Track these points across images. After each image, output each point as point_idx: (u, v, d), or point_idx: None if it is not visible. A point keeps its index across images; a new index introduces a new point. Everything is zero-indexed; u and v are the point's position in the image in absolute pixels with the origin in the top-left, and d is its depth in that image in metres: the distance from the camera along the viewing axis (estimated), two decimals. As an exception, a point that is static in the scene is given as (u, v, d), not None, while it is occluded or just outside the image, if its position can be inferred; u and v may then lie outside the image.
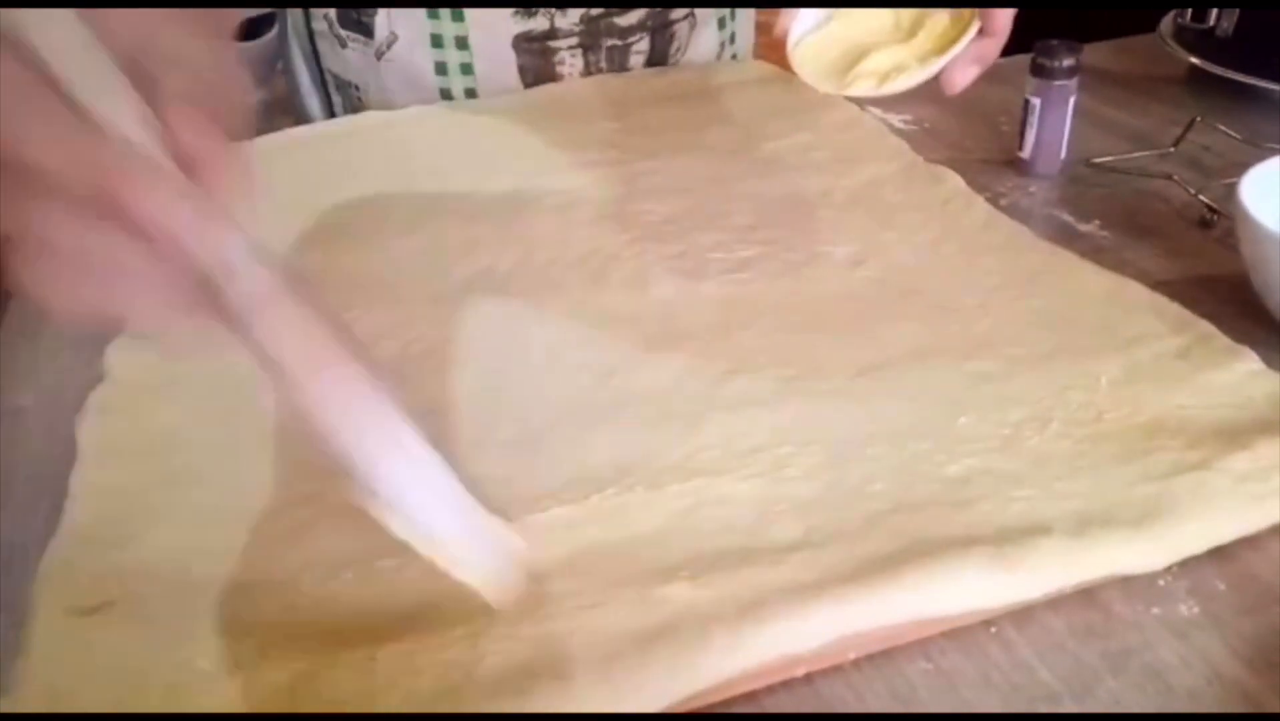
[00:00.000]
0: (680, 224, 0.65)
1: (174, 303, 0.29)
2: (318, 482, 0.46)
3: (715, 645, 0.36)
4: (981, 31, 0.47)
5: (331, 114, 0.93)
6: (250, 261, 0.29)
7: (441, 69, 0.84)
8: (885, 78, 0.48)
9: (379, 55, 0.84)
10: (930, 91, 0.86)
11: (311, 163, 0.75)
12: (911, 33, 0.50)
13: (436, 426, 0.49)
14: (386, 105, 0.85)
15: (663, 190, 0.69)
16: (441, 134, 0.79)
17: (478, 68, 0.84)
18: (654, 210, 0.67)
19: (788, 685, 0.37)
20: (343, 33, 0.86)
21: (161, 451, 0.49)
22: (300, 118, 0.94)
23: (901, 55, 0.49)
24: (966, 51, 0.48)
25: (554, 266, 0.62)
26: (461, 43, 0.82)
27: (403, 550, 0.42)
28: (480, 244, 0.64)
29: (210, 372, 0.54)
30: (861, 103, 0.81)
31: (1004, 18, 0.48)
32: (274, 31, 1.84)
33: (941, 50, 0.47)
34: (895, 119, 0.80)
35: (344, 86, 0.90)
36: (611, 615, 0.38)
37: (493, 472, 0.46)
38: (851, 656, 0.38)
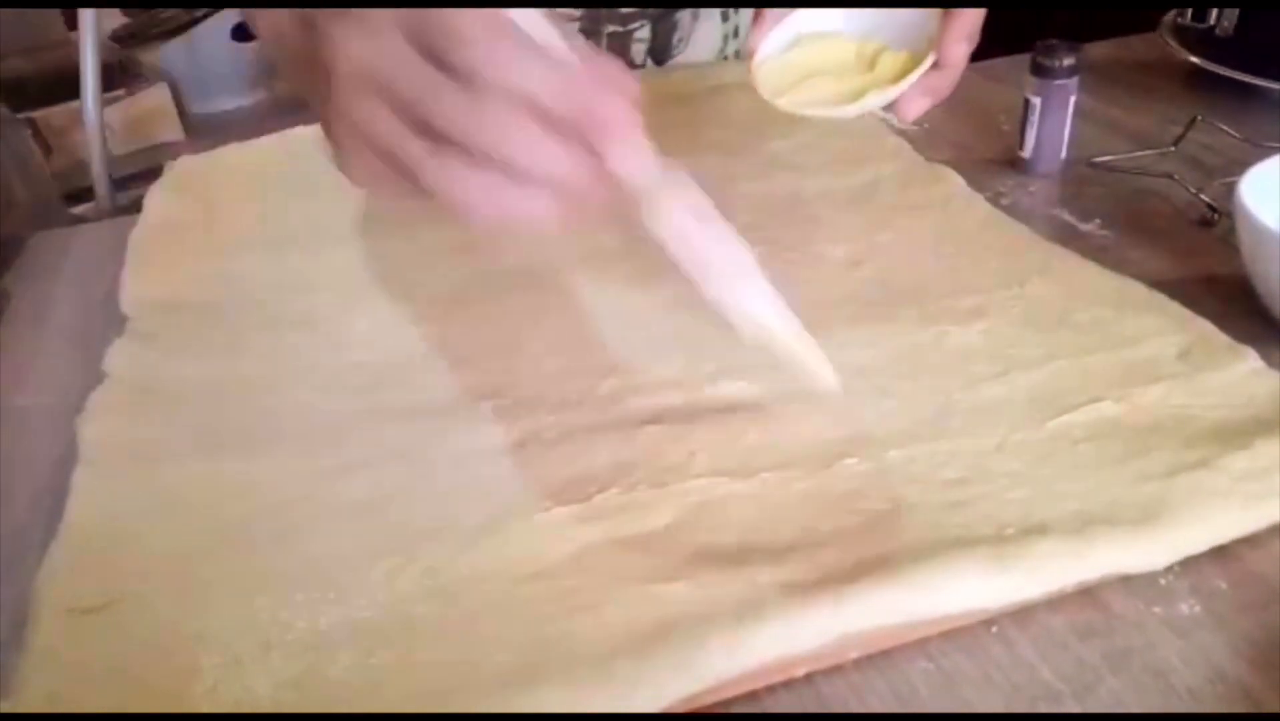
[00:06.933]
0: (680, 224, 0.65)
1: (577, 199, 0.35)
2: (318, 483, 0.46)
3: (715, 645, 0.36)
4: (935, 65, 0.49)
5: None
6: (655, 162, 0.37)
7: None
8: (842, 102, 0.49)
9: None
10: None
11: (312, 162, 0.75)
12: (872, 65, 0.52)
13: (437, 425, 0.49)
14: None
15: (663, 190, 0.69)
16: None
17: None
18: (654, 210, 0.67)
19: (788, 685, 0.37)
20: None
21: (161, 452, 0.49)
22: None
23: (859, 84, 0.50)
24: (920, 83, 0.49)
25: (554, 266, 0.62)
26: None
27: (403, 550, 0.42)
28: (480, 243, 0.64)
29: (210, 373, 0.54)
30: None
31: (958, 52, 0.49)
32: (274, 32, 1.80)
33: (897, 81, 0.49)
34: (895, 119, 0.80)
35: None
36: (611, 615, 0.38)
37: (494, 472, 0.46)
38: (852, 656, 0.38)
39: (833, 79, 0.52)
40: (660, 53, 0.89)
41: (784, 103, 0.50)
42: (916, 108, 0.51)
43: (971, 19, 0.50)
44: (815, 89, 0.51)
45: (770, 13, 0.53)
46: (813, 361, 0.43)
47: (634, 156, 0.35)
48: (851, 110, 0.49)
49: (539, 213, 0.35)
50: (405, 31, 0.34)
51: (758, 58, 0.52)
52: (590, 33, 0.85)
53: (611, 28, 0.85)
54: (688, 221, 0.40)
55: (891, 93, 0.49)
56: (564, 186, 0.34)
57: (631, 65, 0.88)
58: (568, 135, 0.34)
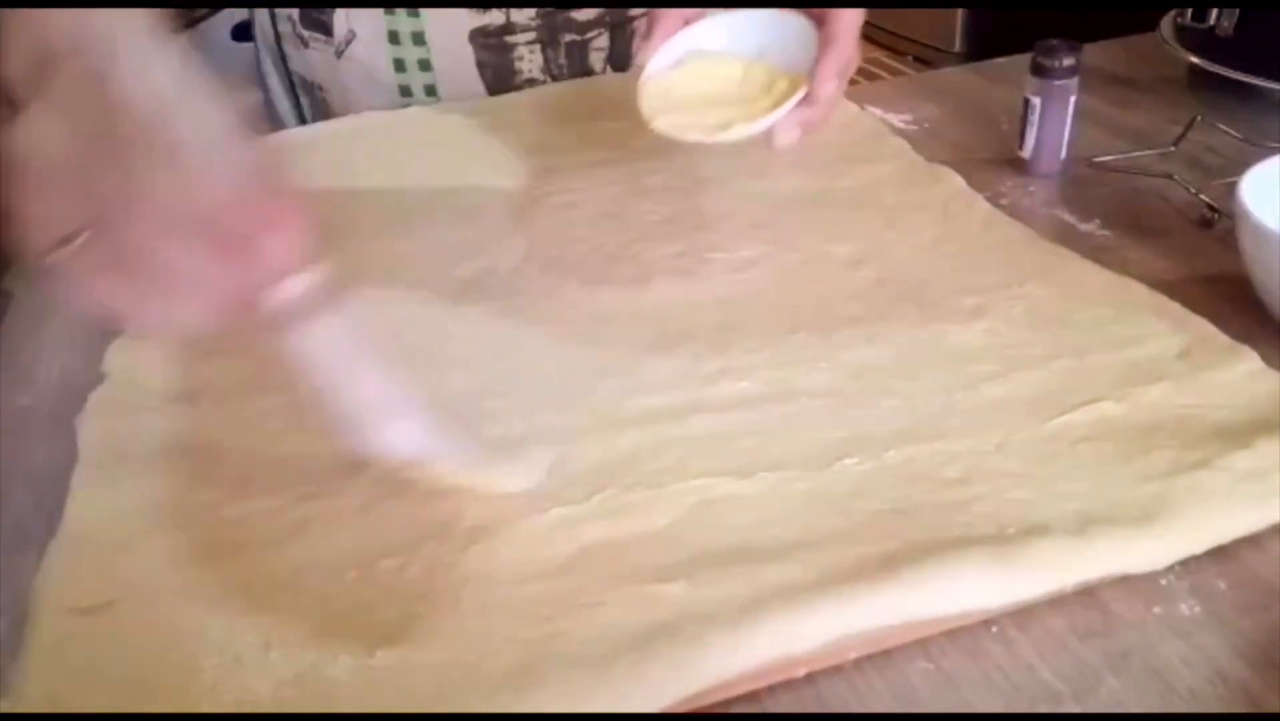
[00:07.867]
0: (680, 224, 0.65)
1: (233, 311, 0.37)
2: (318, 483, 0.46)
3: (715, 645, 0.36)
4: (807, 98, 0.50)
5: (301, 117, 0.92)
6: (303, 280, 0.38)
7: (400, 65, 0.84)
8: (716, 129, 0.50)
9: (339, 54, 0.84)
10: (930, 91, 0.86)
11: (310, 164, 0.75)
12: (763, 86, 0.53)
13: (437, 425, 0.49)
14: (348, 105, 0.85)
15: (663, 190, 0.69)
16: (442, 135, 0.79)
17: (436, 64, 0.83)
18: (654, 210, 0.67)
19: (788, 685, 0.37)
20: (305, 33, 0.86)
21: (161, 452, 0.49)
22: (274, 123, 0.94)
23: (737, 112, 0.51)
24: (794, 114, 0.51)
25: (554, 266, 0.62)
26: (418, 38, 0.82)
27: (403, 550, 0.42)
28: (481, 244, 0.64)
29: (210, 375, 0.54)
30: (861, 103, 0.81)
31: (826, 88, 0.51)
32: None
33: (772, 111, 0.51)
34: (895, 119, 0.80)
35: (310, 88, 0.89)
36: (611, 615, 0.38)
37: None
38: (852, 656, 0.38)
39: (713, 102, 0.53)
40: (619, 60, 0.88)
41: (659, 125, 0.51)
42: (789, 137, 0.52)
43: (842, 56, 0.51)
44: (693, 113, 0.52)
45: (660, 28, 0.54)
46: (479, 480, 0.44)
47: (286, 255, 0.36)
48: (727, 138, 0.50)
49: (187, 320, 0.36)
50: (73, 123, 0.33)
51: (645, 74, 0.53)
52: (547, 43, 0.85)
53: (569, 37, 0.85)
54: (340, 352, 0.40)
55: (761, 124, 0.50)
56: (212, 297, 0.36)
57: (590, 73, 0.88)
58: (221, 245, 0.35)
